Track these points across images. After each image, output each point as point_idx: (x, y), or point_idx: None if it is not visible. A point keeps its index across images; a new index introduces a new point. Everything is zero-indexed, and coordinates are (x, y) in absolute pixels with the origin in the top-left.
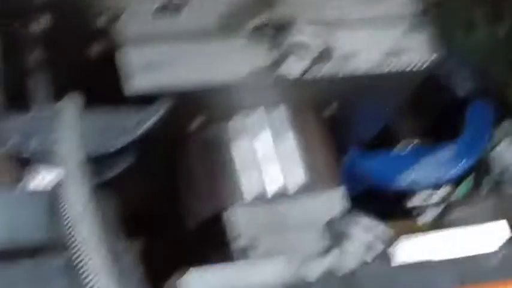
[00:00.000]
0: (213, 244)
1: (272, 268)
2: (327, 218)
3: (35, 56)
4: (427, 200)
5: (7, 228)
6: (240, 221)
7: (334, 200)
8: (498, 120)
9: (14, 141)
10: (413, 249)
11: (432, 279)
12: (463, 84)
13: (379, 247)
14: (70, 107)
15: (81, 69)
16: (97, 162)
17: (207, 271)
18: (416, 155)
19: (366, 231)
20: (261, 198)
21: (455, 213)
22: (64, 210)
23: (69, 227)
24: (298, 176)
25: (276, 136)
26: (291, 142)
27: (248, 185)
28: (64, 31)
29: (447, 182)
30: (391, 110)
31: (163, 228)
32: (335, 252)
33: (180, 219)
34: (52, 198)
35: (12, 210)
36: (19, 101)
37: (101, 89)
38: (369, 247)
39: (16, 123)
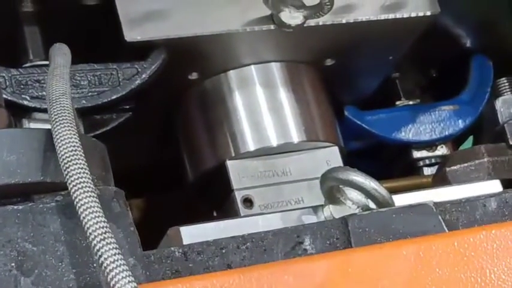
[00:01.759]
0: (213, 195)
1: (266, 224)
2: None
3: (28, 6)
4: (427, 156)
5: (0, 167)
6: (239, 172)
7: (330, 154)
8: (497, 76)
9: (9, 91)
10: None
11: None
12: (463, 39)
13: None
14: (59, 54)
15: (77, 20)
16: (93, 114)
17: (198, 228)
18: (417, 112)
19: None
20: (260, 151)
21: (452, 170)
22: (57, 151)
23: (62, 167)
24: (295, 130)
25: (273, 90)
26: (287, 96)
27: (246, 137)
28: None
29: (448, 138)
30: (390, 64)
31: (162, 184)
32: (327, 209)
33: (179, 173)
34: (46, 138)
35: (5, 149)
36: (13, 53)
37: (96, 40)
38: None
39: (13, 74)
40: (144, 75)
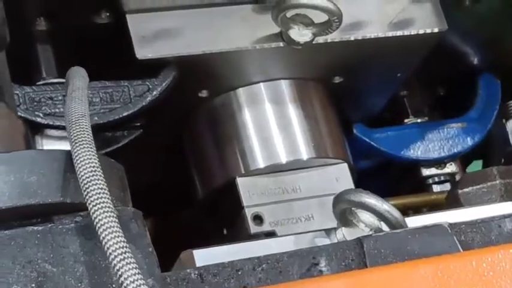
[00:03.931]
0: (222, 213)
1: (279, 247)
2: (332, 189)
3: (41, 25)
4: (436, 173)
5: (20, 188)
6: (249, 189)
7: (340, 171)
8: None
9: (23, 108)
10: None
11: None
12: (471, 57)
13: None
14: (77, 76)
15: (89, 38)
16: (105, 131)
17: (211, 251)
18: (425, 129)
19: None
20: (269, 168)
21: (464, 192)
22: (76, 173)
23: (82, 188)
24: (304, 146)
25: (282, 107)
26: (296, 113)
27: (256, 154)
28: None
29: (456, 156)
30: (399, 82)
31: (171, 203)
32: (340, 232)
33: (188, 192)
34: (66, 159)
35: (26, 170)
36: (26, 71)
37: (108, 57)
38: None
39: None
40: (155, 92)
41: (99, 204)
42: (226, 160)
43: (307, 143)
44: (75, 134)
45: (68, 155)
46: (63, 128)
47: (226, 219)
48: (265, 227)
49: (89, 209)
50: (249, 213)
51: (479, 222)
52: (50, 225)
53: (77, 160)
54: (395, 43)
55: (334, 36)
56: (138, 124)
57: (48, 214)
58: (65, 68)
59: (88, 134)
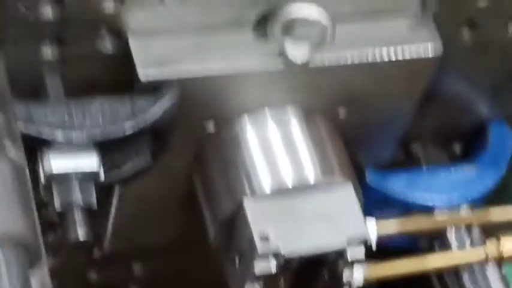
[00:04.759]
0: (233, 242)
1: None
2: (338, 209)
3: (48, 55)
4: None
5: None
6: (255, 212)
7: (347, 195)
8: None
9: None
10: None
11: None
12: (481, 106)
13: None
14: None
15: (92, 62)
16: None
17: None
18: (436, 175)
19: None
20: (276, 192)
21: None
22: None
23: None
24: (311, 170)
25: (288, 131)
26: (302, 138)
27: (262, 179)
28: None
29: (470, 201)
30: (405, 117)
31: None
32: None
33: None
34: None
35: None
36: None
37: (114, 84)
38: None
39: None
40: (158, 109)
41: None
42: (232, 187)
43: (313, 166)
44: None
45: None
46: None
47: (237, 248)
48: (272, 246)
49: None
50: (255, 233)
51: None
52: None
53: None
54: (394, 69)
55: (331, 60)
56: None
57: None
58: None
59: None
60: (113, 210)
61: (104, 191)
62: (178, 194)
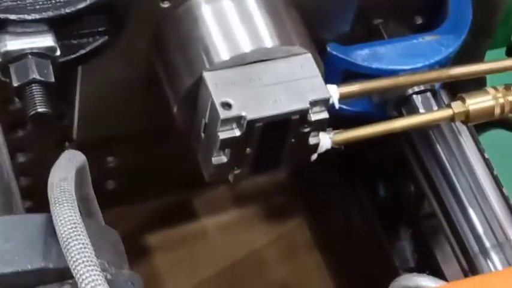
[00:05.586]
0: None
1: None
2: (297, 75)
3: None
4: None
5: None
6: (216, 81)
7: (305, 60)
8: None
9: None
10: None
11: None
12: None
13: None
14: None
15: None
16: (70, 39)
17: None
18: (398, 45)
19: None
20: (234, 60)
21: None
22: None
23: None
24: (267, 35)
25: (244, 5)
26: (258, 10)
27: (220, 48)
28: None
29: (433, 66)
30: None
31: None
32: None
33: None
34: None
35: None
36: None
37: None
38: None
39: None
40: None
41: (80, 259)
42: (192, 61)
43: (270, 32)
44: (55, 196)
45: (48, 219)
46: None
47: (201, 121)
48: (234, 112)
49: (72, 268)
50: (217, 101)
51: None
52: None
53: (56, 219)
54: None
55: None
56: (103, 29)
57: (31, 285)
58: None
59: (70, 195)
60: (77, 92)
61: (67, 72)
62: (140, 77)
